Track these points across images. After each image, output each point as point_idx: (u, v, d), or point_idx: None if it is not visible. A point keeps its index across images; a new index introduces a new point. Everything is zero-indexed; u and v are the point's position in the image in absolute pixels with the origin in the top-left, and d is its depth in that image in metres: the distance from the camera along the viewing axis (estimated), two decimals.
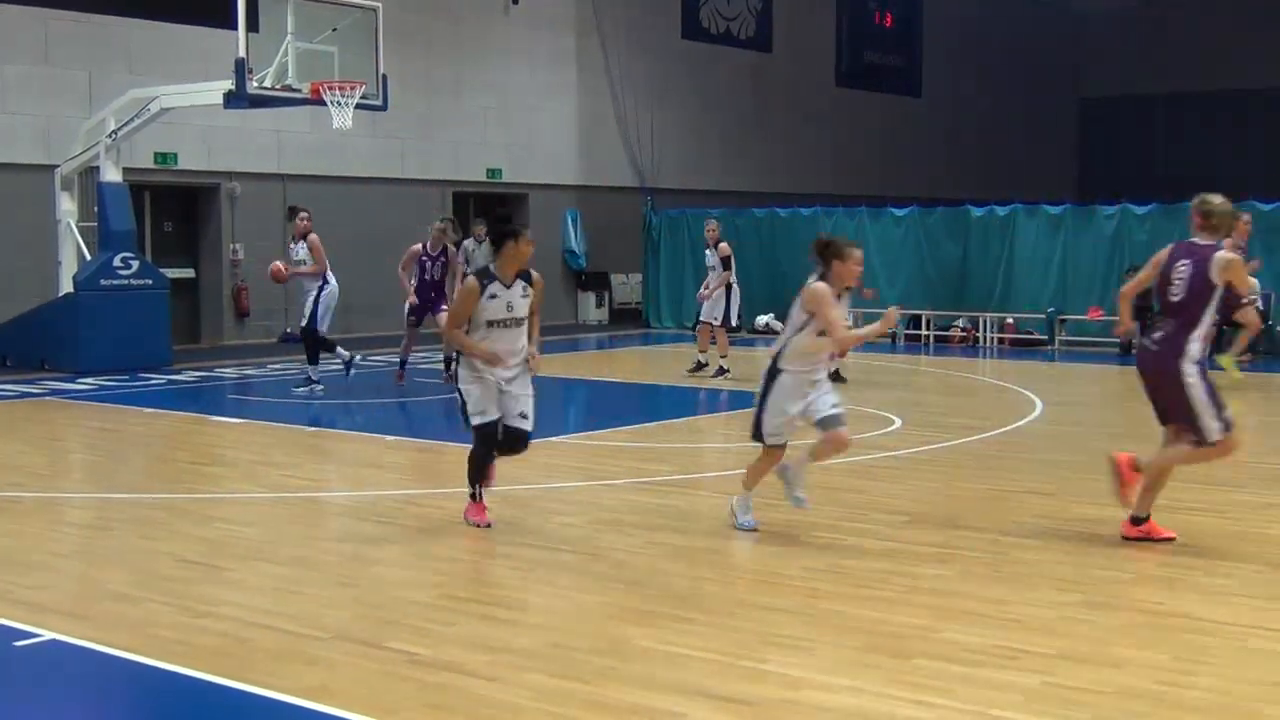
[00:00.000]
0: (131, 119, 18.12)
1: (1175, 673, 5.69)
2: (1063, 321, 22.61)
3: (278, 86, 17.02)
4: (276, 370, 15.69)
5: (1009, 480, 10.42)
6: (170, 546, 8.05)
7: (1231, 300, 13.26)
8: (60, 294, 18.52)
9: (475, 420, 8.27)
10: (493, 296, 8.12)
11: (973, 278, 23.59)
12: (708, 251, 17.42)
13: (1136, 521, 7.99)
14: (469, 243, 20.73)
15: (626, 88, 28.27)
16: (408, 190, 24.61)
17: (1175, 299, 7.76)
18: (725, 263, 17.09)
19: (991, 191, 28.85)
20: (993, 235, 23.47)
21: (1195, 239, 7.91)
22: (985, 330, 23.11)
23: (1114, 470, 8.10)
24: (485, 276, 8.16)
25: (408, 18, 22.45)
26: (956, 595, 6.86)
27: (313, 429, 13.38)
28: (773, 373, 8.14)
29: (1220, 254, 7.66)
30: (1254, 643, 6.10)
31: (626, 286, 28.46)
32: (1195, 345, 7.74)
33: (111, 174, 18.36)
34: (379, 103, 17.91)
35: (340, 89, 16.97)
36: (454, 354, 16.08)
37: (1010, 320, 23.13)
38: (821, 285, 8.06)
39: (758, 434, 8.23)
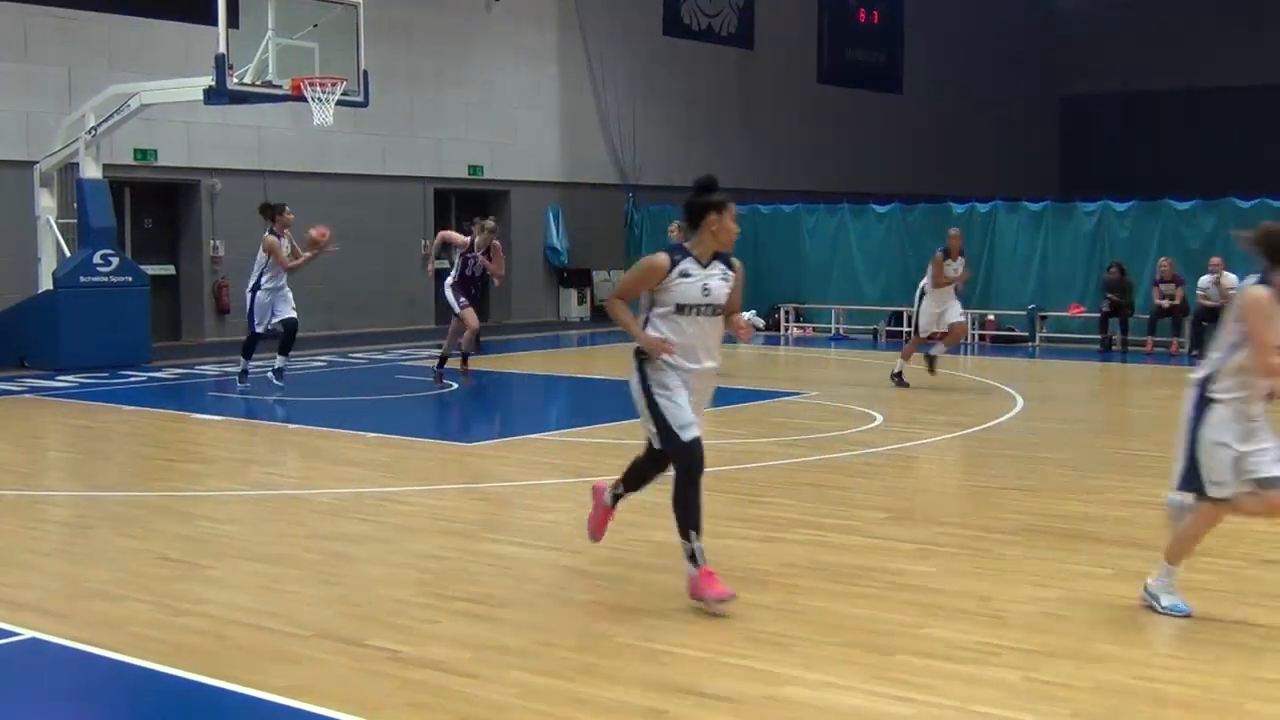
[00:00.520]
0: (111, 115, 18.05)
1: (1155, 668, 5.71)
2: (1043, 318, 22.68)
3: (258, 83, 16.96)
4: (257, 367, 15.62)
5: (990, 477, 10.45)
6: (151, 544, 8.03)
7: None
8: (40, 291, 18.44)
9: (686, 435, 6.65)
10: (685, 275, 6.74)
11: None
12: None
13: None
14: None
15: (608, 84, 28.26)
16: (388, 187, 24.57)
17: None
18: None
19: (973, 188, 28.93)
20: (974, 232, 23.50)
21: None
22: (970, 326, 23.15)
23: None
24: (677, 252, 6.83)
25: (389, 14, 22.40)
26: (938, 591, 6.87)
27: (294, 426, 13.35)
28: (1203, 403, 6.37)
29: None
30: (1234, 638, 6.13)
31: (609, 283, 28.44)
32: None
33: (91, 170, 18.29)
34: (360, 99, 17.87)
35: (321, 85, 16.92)
36: (455, 352, 16.09)
37: (991, 317, 23.20)
38: (1261, 291, 6.25)
39: (1192, 483, 6.46)
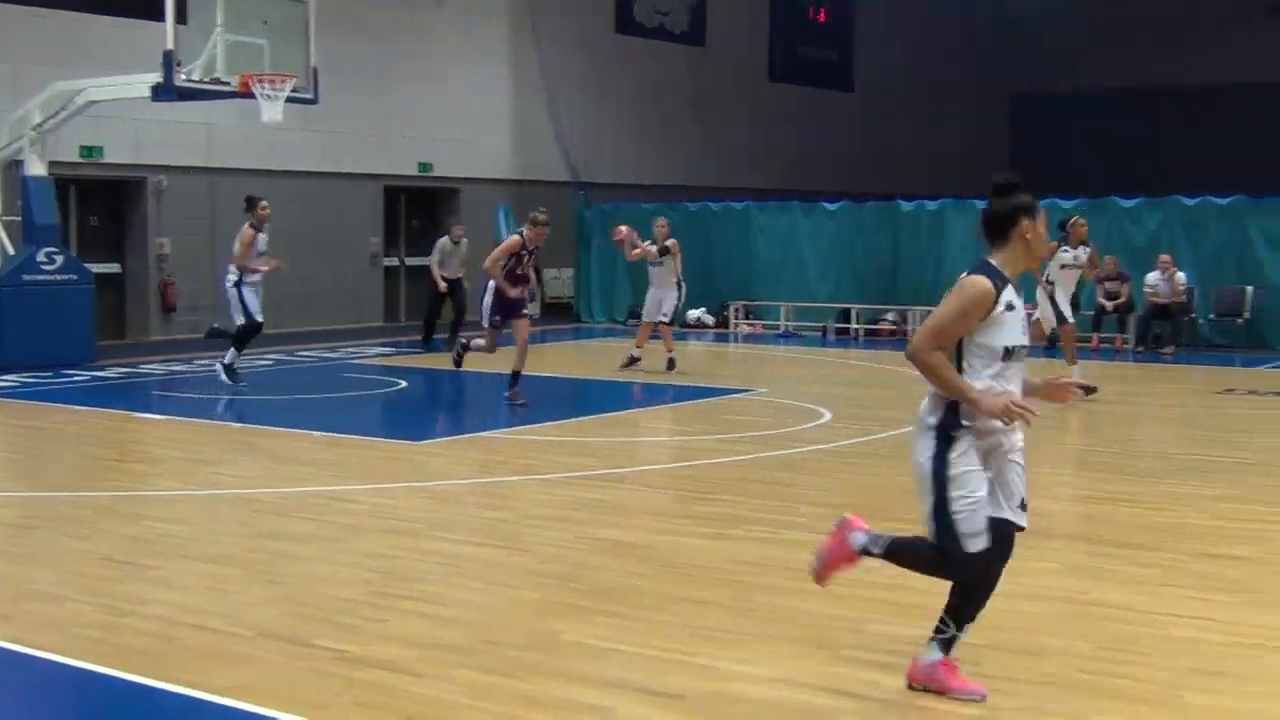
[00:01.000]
0: (57, 112, 17.86)
1: (1099, 661, 5.77)
2: None
3: (207, 79, 16.84)
4: (204, 366, 15.52)
5: None
6: (96, 545, 7.96)
7: None
8: None
9: (973, 546, 5.16)
10: (1010, 307, 5.18)
11: (903, 272, 23.79)
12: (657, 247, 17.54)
13: None
14: (444, 241, 20.58)
15: (560, 82, 28.21)
16: (338, 184, 24.43)
17: None
18: (666, 258, 17.29)
19: (923, 186, 29.08)
20: (923, 230, 23.68)
21: None
22: (914, 323, 23.29)
23: None
24: (994, 274, 5.17)
25: (340, 10, 22.26)
26: (884, 587, 6.90)
27: (240, 425, 13.27)
28: None
29: None
30: (1176, 631, 6.20)
31: (559, 281, 28.42)
32: None
33: (36, 167, 18.08)
34: (310, 96, 17.78)
35: (270, 82, 16.82)
36: (467, 341, 15.23)
37: None
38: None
39: None
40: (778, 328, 24.49)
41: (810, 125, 34.61)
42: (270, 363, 18.47)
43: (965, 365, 5.15)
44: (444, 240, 20.57)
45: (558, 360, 19.77)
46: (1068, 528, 8.35)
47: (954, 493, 5.10)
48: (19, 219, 18.26)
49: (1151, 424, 14.00)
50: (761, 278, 25.25)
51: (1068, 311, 15.02)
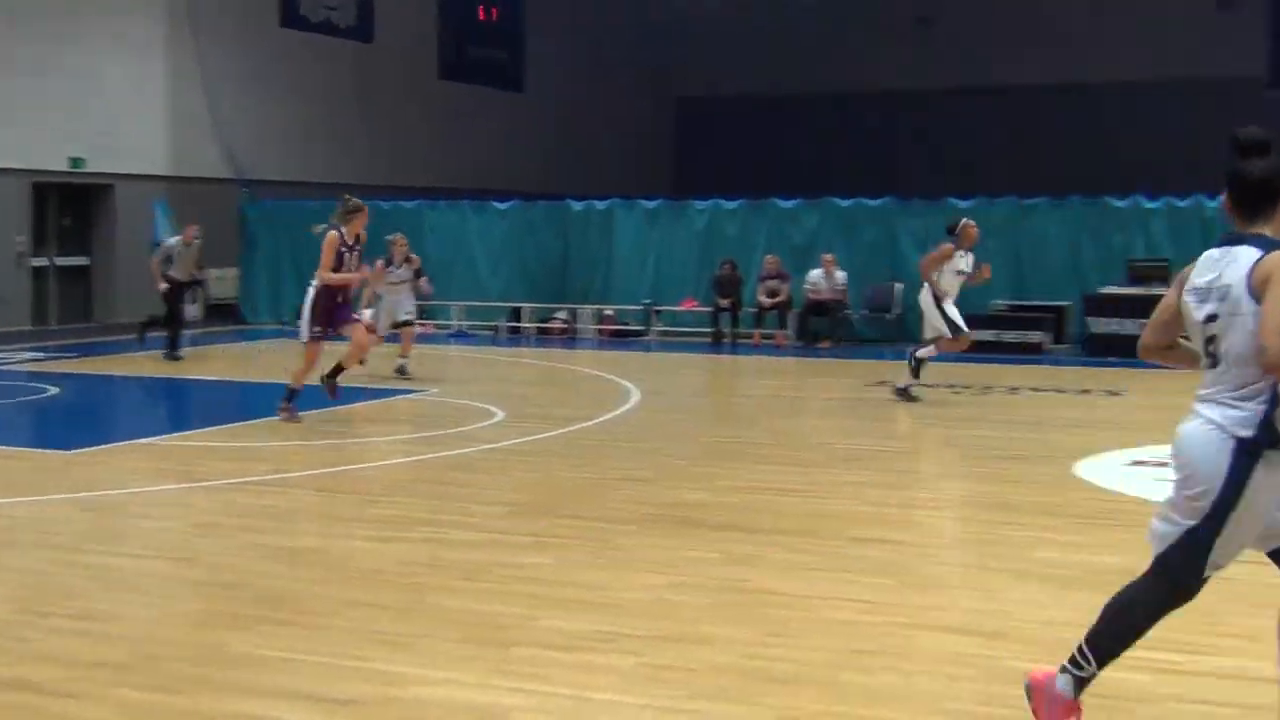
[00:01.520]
0: None
1: (759, 646, 5.98)
2: (658, 313, 23.39)
3: None
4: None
5: (608, 468, 10.69)
6: None
7: None
8: None
9: (1209, 570, 4.48)
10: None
11: (573, 271, 24.11)
12: (400, 269, 17.69)
13: None
14: (175, 242, 19.51)
15: (220, 76, 27.31)
16: None
17: None
18: (417, 274, 17.96)
19: (593, 186, 29.49)
20: (593, 229, 24.05)
21: None
22: (584, 322, 23.65)
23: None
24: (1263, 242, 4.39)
25: None
26: (556, 583, 6.99)
27: None
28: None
29: None
30: (827, 613, 6.48)
31: (223, 281, 27.50)
32: None
33: None
34: None
35: None
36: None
37: (610, 312, 23.75)
38: None
39: None
40: (449, 327, 24.41)
41: (482, 125, 34.62)
42: None
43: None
44: (175, 241, 19.65)
45: (223, 364, 19.20)
46: (728, 518, 8.62)
47: (1233, 517, 4.36)
48: None
49: (811, 416, 14.62)
50: (433, 277, 25.07)
51: (961, 321, 13.82)
